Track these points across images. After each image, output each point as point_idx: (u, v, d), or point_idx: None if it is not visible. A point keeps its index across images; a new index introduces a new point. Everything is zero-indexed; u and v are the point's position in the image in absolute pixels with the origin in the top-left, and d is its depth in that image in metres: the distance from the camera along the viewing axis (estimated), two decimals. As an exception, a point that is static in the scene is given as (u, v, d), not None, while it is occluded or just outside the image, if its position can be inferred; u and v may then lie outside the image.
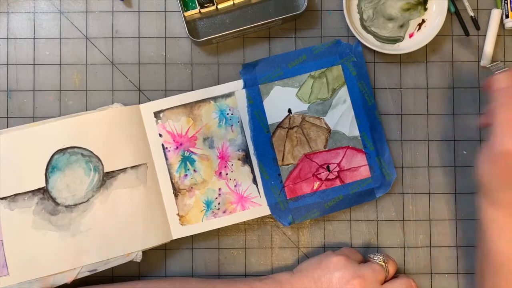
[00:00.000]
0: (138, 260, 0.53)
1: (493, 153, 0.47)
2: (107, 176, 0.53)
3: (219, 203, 0.55)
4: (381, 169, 0.55)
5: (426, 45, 0.56)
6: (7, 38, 0.57)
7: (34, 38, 0.57)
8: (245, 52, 0.57)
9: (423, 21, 0.57)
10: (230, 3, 0.55)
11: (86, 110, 0.56)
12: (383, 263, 0.51)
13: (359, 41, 0.55)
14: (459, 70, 0.58)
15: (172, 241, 0.54)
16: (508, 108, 0.47)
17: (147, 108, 0.55)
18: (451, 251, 0.57)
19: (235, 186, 0.55)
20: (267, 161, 0.55)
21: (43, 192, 0.52)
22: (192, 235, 0.55)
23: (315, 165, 0.55)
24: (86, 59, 0.57)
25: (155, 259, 0.56)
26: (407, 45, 0.56)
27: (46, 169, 0.52)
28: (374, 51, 0.56)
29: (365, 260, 0.53)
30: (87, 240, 0.52)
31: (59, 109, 0.56)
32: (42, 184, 0.52)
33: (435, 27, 0.55)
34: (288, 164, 0.55)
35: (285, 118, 0.56)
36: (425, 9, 0.57)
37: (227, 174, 0.55)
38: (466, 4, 0.57)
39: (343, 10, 0.55)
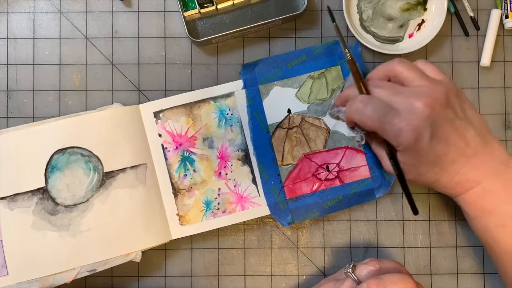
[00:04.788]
0: (138, 260, 0.53)
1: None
2: (107, 176, 0.53)
3: (218, 203, 0.55)
4: (380, 170, 0.55)
5: (426, 45, 0.56)
6: (7, 38, 0.57)
7: (34, 38, 0.57)
8: (244, 52, 0.57)
9: (423, 21, 0.57)
10: (230, 3, 0.55)
11: (86, 110, 0.56)
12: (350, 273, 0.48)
13: (358, 41, 0.55)
14: (459, 70, 0.58)
15: (171, 241, 0.54)
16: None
17: (147, 108, 0.55)
18: (451, 251, 0.57)
19: (234, 186, 0.55)
20: (266, 161, 0.55)
21: (43, 192, 0.52)
22: (191, 235, 0.55)
23: (314, 165, 0.55)
24: (86, 59, 0.57)
25: (155, 259, 0.56)
26: (406, 45, 0.56)
27: (46, 169, 0.53)
28: (374, 51, 0.56)
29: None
30: (86, 240, 0.52)
31: (59, 109, 0.56)
32: (41, 184, 0.52)
33: (435, 27, 0.55)
34: (287, 164, 0.55)
35: (284, 118, 0.56)
36: (425, 9, 0.57)
37: (226, 174, 0.55)
38: (466, 4, 0.57)
39: (342, 10, 0.55)
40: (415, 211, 0.50)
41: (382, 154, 0.50)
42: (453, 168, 0.46)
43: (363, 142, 0.52)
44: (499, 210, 0.47)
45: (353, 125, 0.52)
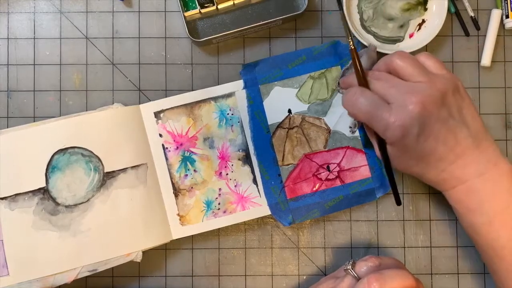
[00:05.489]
0: (138, 260, 0.53)
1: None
2: (107, 176, 0.53)
3: (219, 203, 0.55)
4: (381, 169, 0.55)
5: (426, 45, 0.56)
6: (7, 38, 0.57)
7: (34, 38, 0.57)
8: (245, 52, 0.57)
9: (423, 21, 0.57)
10: (230, 3, 0.55)
11: (86, 110, 0.56)
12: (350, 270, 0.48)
13: (359, 41, 0.55)
14: (459, 70, 0.58)
15: (172, 241, 0.54)
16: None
17: (147, 108, 0.55)
18: (451, 251, 0.57)
19: (235, 186, 0.55)
20: (267, 161, 0.55)
21: (44, 192, 0.52)
22: (192, 235, 0.55)
23: (315, 165, 0.56)
24: (86, 59, 0.57)
25: (155, 259, 0.56)
26: (407, 45, 0.56)
27: (47, 169, 0.53)
28: (374, 51, 0.56)
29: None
30: (87, 240, 0.52)
31: (59, 109, 0.56)
32: (42, 184, 0.52)
33: (435, 27, 0.55)
34: (288, 164, 0.55)
35: (285, 119, 0.56)
36: (425, 9, 0.57)
37: (227, 174, 0.55)
38: (466, 4, 0.57)
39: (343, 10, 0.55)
40: (398, 202, 0.52)
41: (374, 142, 0.51)
42: (440, 165, 0.47)
43: (355, 129, 0.53)
44: (484, 208, 0.47)
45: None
